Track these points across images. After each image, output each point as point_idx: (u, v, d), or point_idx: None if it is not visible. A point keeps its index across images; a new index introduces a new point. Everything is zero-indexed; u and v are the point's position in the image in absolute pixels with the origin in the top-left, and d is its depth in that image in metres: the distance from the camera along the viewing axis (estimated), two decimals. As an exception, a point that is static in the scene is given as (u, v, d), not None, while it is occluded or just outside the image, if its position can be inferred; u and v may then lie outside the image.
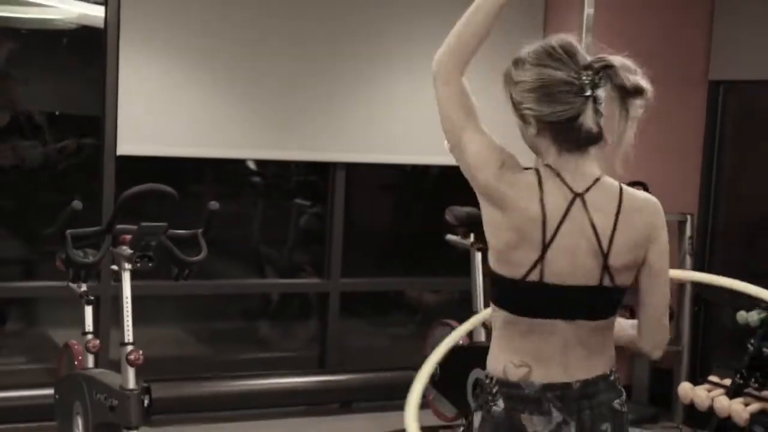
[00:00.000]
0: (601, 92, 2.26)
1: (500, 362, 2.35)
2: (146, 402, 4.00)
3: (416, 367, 5.62)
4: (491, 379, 2.36)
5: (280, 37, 5.58)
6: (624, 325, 2.52)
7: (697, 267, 6.10)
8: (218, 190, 6.64)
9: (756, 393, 5.20)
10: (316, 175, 6.49)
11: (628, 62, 2.25)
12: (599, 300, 2.34)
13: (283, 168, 6.74)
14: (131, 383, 3.97)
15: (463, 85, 2.29)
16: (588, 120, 2.24)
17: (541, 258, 2.26)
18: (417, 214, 7.18)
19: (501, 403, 2.33)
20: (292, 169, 6.80)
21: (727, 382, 5.32)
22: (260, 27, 5.55)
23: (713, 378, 5.43)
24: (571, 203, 2.27)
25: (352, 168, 5.99)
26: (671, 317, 6.52)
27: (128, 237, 4.17)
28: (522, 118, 2.30)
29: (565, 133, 2.26)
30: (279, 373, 5.93)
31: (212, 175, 6.66)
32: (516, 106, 2.31)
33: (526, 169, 2.31)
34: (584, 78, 2.23)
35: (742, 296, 5.86)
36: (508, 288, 2.31)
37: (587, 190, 2.29)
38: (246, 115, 5.59)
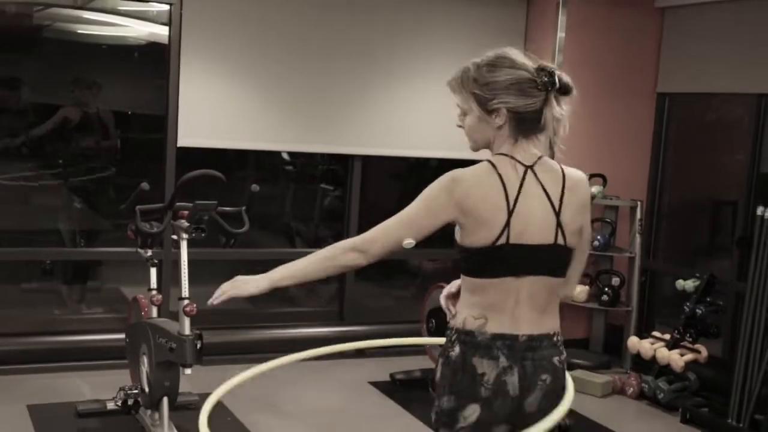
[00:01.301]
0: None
1: (462, 315, 2.29)
2: (199, 345, 3.99)
3: (416, 321, 5.65)
4: (452, 329, 2.30)
5: (309, 54, 5.58)
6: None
7: (646, 244, 6.10)
8: (258, 176, 6.66)
9: (690, 345, 5.22)
10: (337, 165, 6.50)
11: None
12: (555, 257, 2.26)
13: (311, 159, 6.75)
14: (187, 330, 3.97)
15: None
16: (548, 111, 2.22)
17: (507, 224, 2.19)
18: (419, 198, 7.17)
19: (457, 349, 2.27)
20: (318, 160, 6.82)
21: (667, 336, 5.34)
22: (292, 45, 5.54)
23: (656, 333, 5.45)
24: (524, 174, 2.23)
25: (367, 159, 5.99)
26: (622, 284, 6.48)
27: (186, 212, 4.17)
28: (491, 112, 2.22)
29: (528, 122, 2.23)
30: (305, 324, 5.95)
31: (253, 163, 6.68)
32: (484, 103, 2.22)
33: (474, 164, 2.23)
34: (543, 77, 2.21)
35: (680, 268, 5.86)
36: (475, 256, 2.24)
37: (534, 164, 2.25)
38: (282, 115, 5.60)
